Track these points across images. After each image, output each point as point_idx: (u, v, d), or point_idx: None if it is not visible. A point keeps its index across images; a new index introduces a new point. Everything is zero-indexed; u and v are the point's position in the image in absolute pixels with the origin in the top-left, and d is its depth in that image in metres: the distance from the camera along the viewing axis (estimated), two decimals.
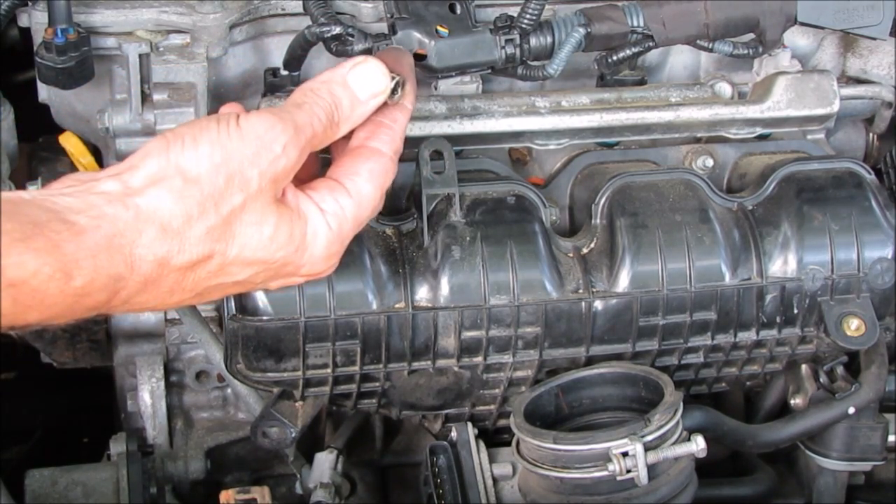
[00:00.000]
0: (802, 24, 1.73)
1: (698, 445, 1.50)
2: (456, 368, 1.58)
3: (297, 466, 1.78)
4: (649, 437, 1.48)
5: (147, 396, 1.85)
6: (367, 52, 1.57)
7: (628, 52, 1.66)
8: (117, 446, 1.76)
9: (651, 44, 1.65)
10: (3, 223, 1.06)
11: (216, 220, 1.20)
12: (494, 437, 1.72)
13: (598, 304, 1.57)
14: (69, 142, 1.69)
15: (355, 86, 1.31)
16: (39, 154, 1.86)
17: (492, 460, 1.67)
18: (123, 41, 1.60)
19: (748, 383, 1.78)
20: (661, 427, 1.49)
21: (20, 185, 1.67)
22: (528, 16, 1.60)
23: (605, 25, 1.63)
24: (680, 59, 1.85)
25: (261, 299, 1.49)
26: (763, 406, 1.80)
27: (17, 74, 1.94)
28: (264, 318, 1.49)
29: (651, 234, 1.57)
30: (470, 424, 1.67)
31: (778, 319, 1.62)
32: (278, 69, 1.68)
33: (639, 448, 1.46)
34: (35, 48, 1.57)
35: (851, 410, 1.66)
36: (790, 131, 1.76)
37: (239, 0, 1.64)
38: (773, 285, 1.60)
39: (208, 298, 1.28)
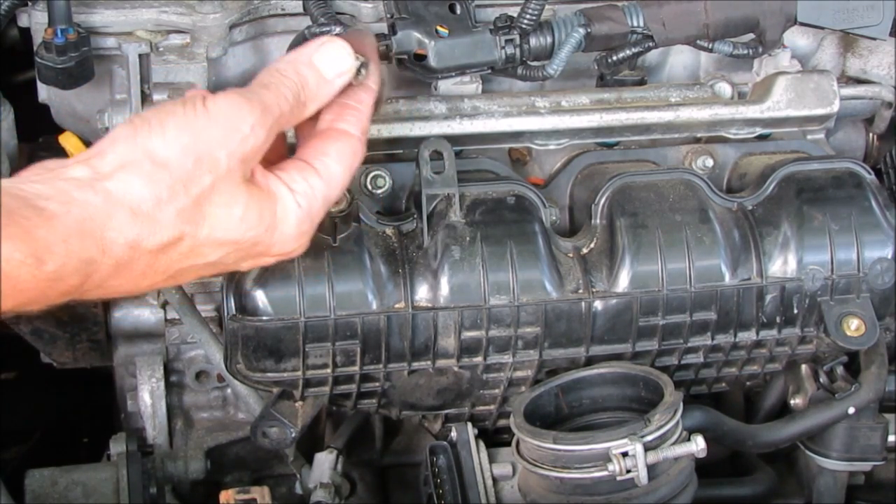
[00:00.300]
0: (802, 24, 1.74)
1: (698, 445, 1.50)
2: (456, 368, 1.58)
3: (297, 466, 1.78)
4: (649, 437, 1.48)
5: (147, 396, 1.85)
6: None
7: (628, 52, 1.66)
8: (117, 446, 1.76)
9: (651, 44, 1.65)
10: None
11: (186, 201, 1.20)
12: (494, 437, 1.72)
13: (598, 304, 1.57)
14: (69, 142, 1.68)
15: (321, 65, 1.32)
16: (39, 154, 1.85)
17: (492, 460, 1.67)
18: (123, 41, 1.60)
19: (748, 383, 1.77)
20: (661, 427, 1.49)
21: None
22: (528, 16, 1.60)
23: (605, 26, 1.63)
24: (680, 59, 1.85)
25: (261, 299, 1.49)
26: (763, 406, 1.80)
27: (17, 74, 1.94)
28: (264, 318, 1.49)
29: (651, 234, 1.57)
30: (470, 424, 1.67)
31: (778, 319, 1.62)
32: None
33: (639, 448, 1.46)
34: (35, 48, 1.56)
35: (851, 410, 1.66)
36: (790, 131, 1.76)
37: (239, 0, 1.64)
38: (773, 285, 1.60)
39: (181, 280, 1.29)
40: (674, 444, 1.50)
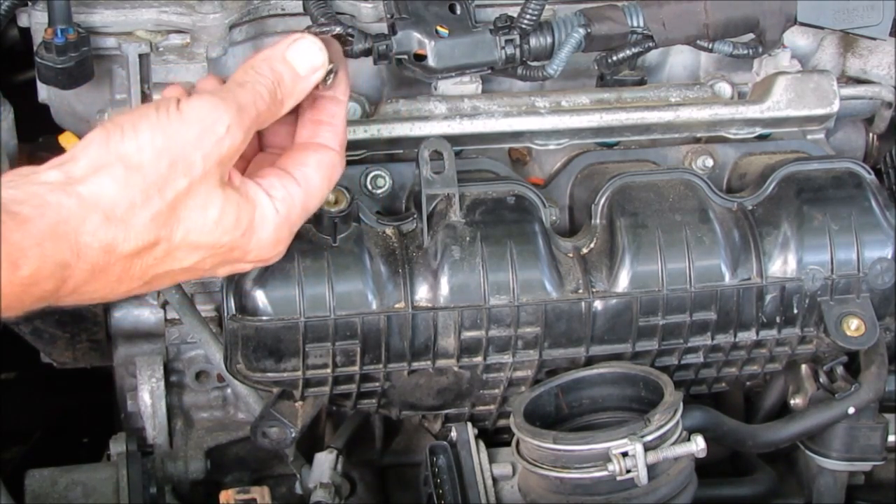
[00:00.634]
0: (802, 24, 1.74)
1: (698, 445, 1.50)
2: (456, 368, 1.58)
3: (296, 466, 1.78)
4: (649, 437, 1.48)
5: (147, 396, 1.85)
6: (367, 52, 1.57)
7: (628, 52, 1.66)
8: (117, 446, 1.76)
9: (651, 44, 1.65)
10: None
11: (160, 205, 1.19)
12: (494, 437, 1.73)
13: (598, 304, 1.57)
14: (69, 142, 1.68)
15: (295, 61, 1.31)
16: (39, 154, 1.85)
17: (492, 460, 1.67)
18: (123, 41, 1.60)
19: (748, 383, 1.78)
20: (661, 427, 1.49)
21: None
22: (528, 16, 1.60)
23: (604, 26, 1.63)
24: (680, 59, 1.85)
25: (261, 299, 1.49)
26: (763, 406, 1.80)
27: (17, 74, 1.93)
28: (264, 318, 1.49)
29: (651, 234, 1.57)
30: (470, 424, 1.67)
31: (778, 319, 1.62)
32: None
33: (639, 448, 1.46)
34: (35, 48, 1.56)
35: (851, 410, 1.66)
36: (790, 131, 1.76)
37: (239, 0, 1.64)
38: (772, 285, 1.60)
39: (157, 286, 1.28)
40: (674, 444, 1.50)
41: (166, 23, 1.61)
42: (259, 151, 1.39)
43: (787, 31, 1.71)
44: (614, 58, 1.67)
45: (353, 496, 1.80)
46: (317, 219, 1.49)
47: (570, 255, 1.59)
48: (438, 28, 1.59)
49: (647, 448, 1.47)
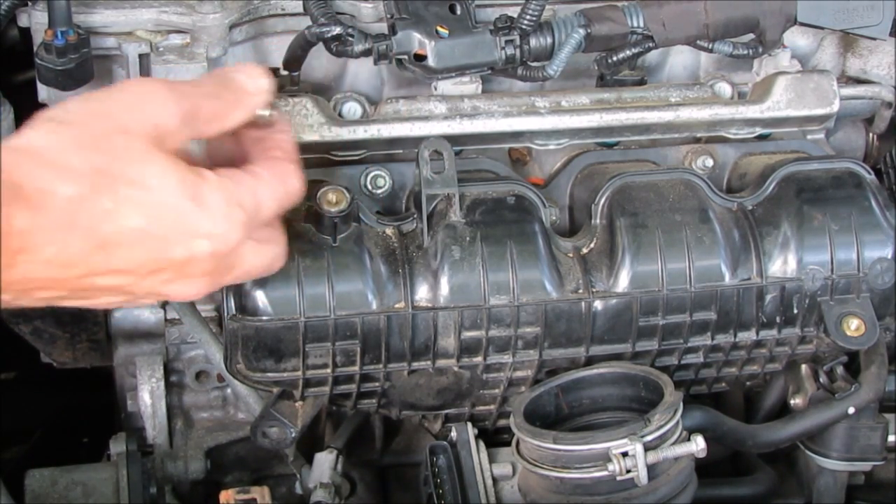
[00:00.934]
0: (802, 24, 1.74)
1: (698, 445, 1.50)
2: (456, 368, 1.58)
3: (297, 466, 1.78)
4: (649, 437, 1.48)
5: (147, 396, 1.85)
6: (367, 52, 1.57)
7: (628, 52, 1.66)
8: (117, 446, 1.76)
9: (651, 44, 1.65)
10: None
11: (97, 156, 1.16)
12: (494, 437, 1.72)
13: (598, 304, 1.57)
14: None
15: (240, 78, 1.32)
16: None
17: (492, 460, 1.67)
18: (123, 41, 1.60)
19: (748, 383, 1.78)
20: (661, 427, 1.49)
21: None
22: (528, 16, 1.60)
23: (604, 26, 1.63)
24: (680, 59, 1.85)
25: (261, 299, 1.49)
26: (763, 406, 1.80)
27: (17, 74, 1.93)
28: (264, 318, 1.49)
29: (651, 234, 1.57)
30: (470, 424, 1.67)
31: (778, 319, 1.62)
32: (278, 69, 1.68)
33: (639, 448, 1.46)
34: (35, 48, 1.56)
35: (851, 410, 1.66)
36: (790, 131, 1.76)
37: (239, 0, 1.64)
38: (772, 285, 1.60)
39: (115, 264, 1.20)
40: (674, 444, 1.50)
41: (166, 23, 1.61)
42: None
43: (787, 31, 1.71)
44: (614, 58, 1.67)
45: (353, 496, 1.80)
46: (317, 219, 1.50)
47: (570, 255, 1.59)
48: (438, 28, 1.59)
49: (647, 448, 1.47)
